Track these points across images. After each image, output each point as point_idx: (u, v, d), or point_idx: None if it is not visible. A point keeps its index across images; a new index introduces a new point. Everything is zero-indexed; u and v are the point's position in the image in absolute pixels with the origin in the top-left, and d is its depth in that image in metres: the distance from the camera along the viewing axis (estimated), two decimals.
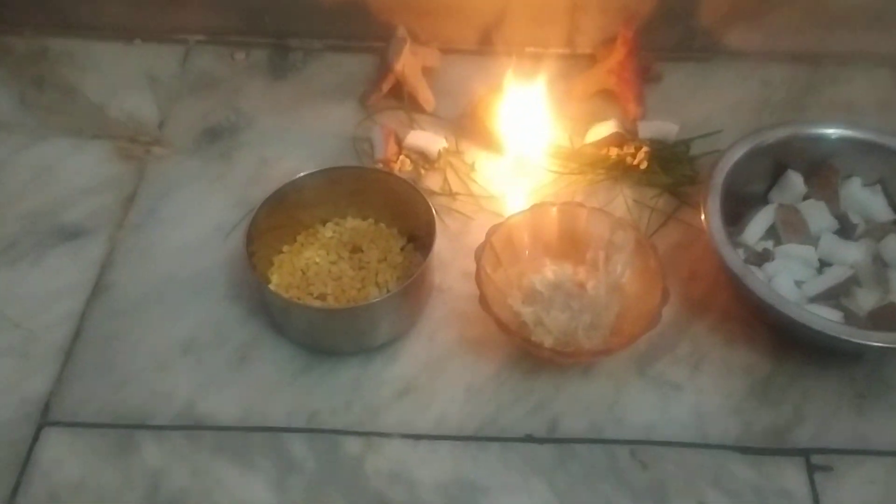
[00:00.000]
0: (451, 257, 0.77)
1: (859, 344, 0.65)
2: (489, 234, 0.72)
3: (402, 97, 0.89)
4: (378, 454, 0.66)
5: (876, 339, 0.64)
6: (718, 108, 0.90)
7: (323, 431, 0.67)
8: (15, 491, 0.64)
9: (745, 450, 0.66)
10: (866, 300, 0.72)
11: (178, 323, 0.73)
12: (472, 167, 0.84)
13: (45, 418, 0.68)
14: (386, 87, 0.89)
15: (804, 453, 0.66)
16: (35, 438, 0.66)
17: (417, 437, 0.67)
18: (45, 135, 0.87)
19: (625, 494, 0.64)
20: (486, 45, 0.95)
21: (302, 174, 0.75)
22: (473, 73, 0.91)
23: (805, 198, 0.78)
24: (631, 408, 0.69)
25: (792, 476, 0.65)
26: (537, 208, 0.74)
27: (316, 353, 0.71)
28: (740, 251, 0.76)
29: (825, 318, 0.66)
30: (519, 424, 0.68)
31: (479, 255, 0.70)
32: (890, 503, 0.64)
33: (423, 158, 0.84)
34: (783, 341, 0.72)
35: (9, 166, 0.85)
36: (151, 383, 0.70)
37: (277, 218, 0.74)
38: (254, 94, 0.92)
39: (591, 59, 0.94)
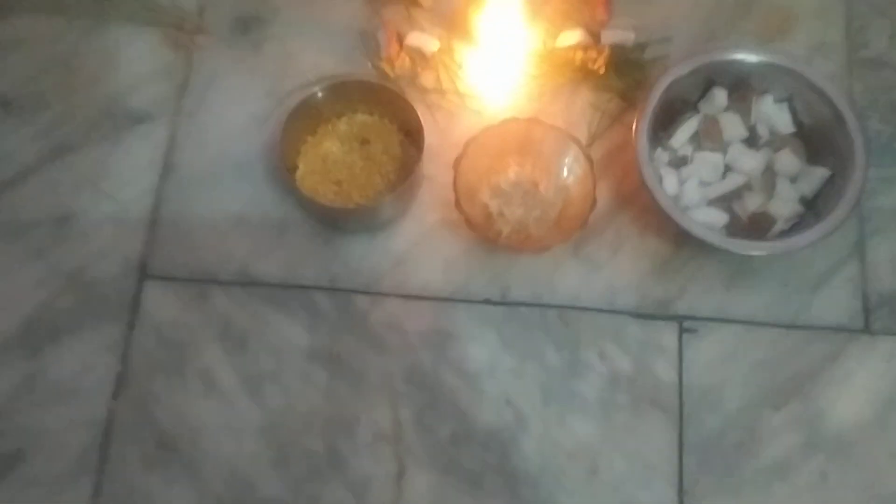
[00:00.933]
0: (439, 150, 0.93)
1: (725, 250, 0.87)
2: (466, 146, 0.91)
3: None
4: (379, 309, 0.91)
5: (736, 247, 0.87)
6: (677, 11, 1.02)
7: (340, 290, 0.92)
8: (131, 325, 0.92)
9: (637, 315, 0.90)
10: (751, 203, 0.91)
11: (231, 200, 0.95)
12: (459, 66, 0.99)
13: (144, 273, 0.93)
14: None
15: (679, 319, 0.89)
16: (139, 289, 0.93)
17: (408, 297, 0.91)
18: (105, 21, 1.02)
19: (550, 345, 0.90)
20: None
21: (315, 88, 0.92)
22: None
23: (726, 110, 0.94)
24: (564, 281, 0.91)
25: (667, 336, 0.89)
26: (506, 122, 0.92)
27: (335, 230, 0.94)
28: (666, 154, 0.95)
29: (702, 226, 0.87)
30: (481, 291, 0.91)
31: (456, 164, 0.90)
32: (734, 358, 0.89)
33: (421, 57, 0.99)
34: (683, 235, 0.93)
35: (81, 51, 1.01)
36: (216, 249, 0.93)
37: (301, 117, 0.93)
38: None
39: None
